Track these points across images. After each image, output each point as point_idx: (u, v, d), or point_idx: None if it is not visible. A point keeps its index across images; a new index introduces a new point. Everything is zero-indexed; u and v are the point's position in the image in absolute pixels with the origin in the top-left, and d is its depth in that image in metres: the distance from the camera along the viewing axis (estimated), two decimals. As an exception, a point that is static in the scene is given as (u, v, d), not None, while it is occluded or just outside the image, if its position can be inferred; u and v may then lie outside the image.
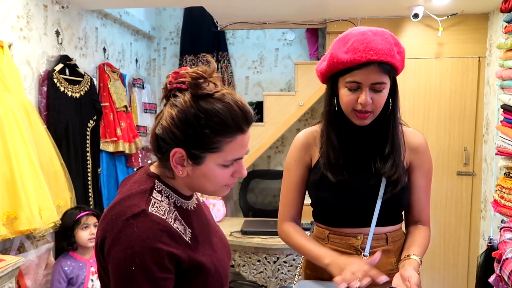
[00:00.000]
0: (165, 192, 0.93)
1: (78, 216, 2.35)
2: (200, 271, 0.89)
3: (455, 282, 3.23)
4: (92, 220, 2.40)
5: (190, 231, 0.92)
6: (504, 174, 2.42)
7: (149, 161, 1.00)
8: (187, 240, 0.89)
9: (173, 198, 0.93)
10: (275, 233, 2.71)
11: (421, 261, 1.20)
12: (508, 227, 1.32)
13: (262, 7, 3.06)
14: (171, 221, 0.88)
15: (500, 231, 1.35)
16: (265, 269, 2.66)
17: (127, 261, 0.82)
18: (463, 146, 3.20)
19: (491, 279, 1.84)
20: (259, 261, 2.66)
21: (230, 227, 2.88)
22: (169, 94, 0.90)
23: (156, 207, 0.88)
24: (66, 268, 2.32)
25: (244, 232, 2.75)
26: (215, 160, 0.88)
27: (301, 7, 3.03)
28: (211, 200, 3.12)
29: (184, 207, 0.95)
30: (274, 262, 2.64)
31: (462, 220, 3.23)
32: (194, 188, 0.96)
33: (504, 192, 2.35)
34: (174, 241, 0.86)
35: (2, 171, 1.93)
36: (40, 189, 2.08)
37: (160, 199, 0.90)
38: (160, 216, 0.86)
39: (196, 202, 1.01)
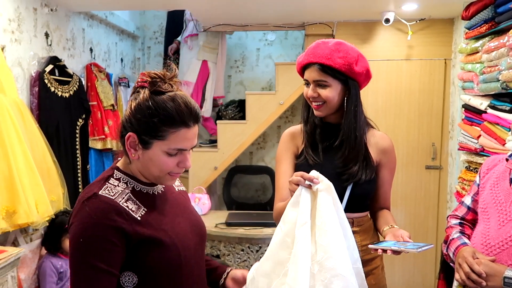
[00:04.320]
0: (124, 179, 1.09)
1: (66, 226, 2.43)
2: (154, 243, 1.04)
3: (424, 267, 3.49)
4: None
5: (145, 210, 1.07)
6: (466, 167, 2.66)
7: (119, 158, 1.17)
8: (136, 217, 1.04)
9: (132, 184, 1.09)
10: (257, 224, 2.92)
11: None
12: (453, 215, 1.53)
13: (244, 10, 3.21)
14: (120, 201, 1.03)
15: (447, 219, 1.57)
16: (248, 257, 2.84)
17: (78, 234, 0.99)
18: (431, 142, 3.44)
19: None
20: (242, 250, 2.84)
21: (215, 219, 3.04)
22: (135, 90, 1.09)
23: (108, 190, 1.04)
24: (55, 264, 2.44)
25: (228, 224, 2.92)
26: (160, 147, 1.04)
27: (281, 11, 3.20)
28: (196, 195, 3.28)
29: (145, 191, 1.11)
30: (257, 251, 2.83)
31: (430, 211, 3.49)
32: (143, 173, 1.10)
33: (465, 184, 2.59)
34: (121, 217, 1.01)
35: (0, 168, 2.04)
36: (36, 184, 2.20)
37: (116, 184, 1.07)
38: (109, 197, 1.03)
39: (162, 190, 1.17)
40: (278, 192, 1.52)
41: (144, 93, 1.05)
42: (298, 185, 1.22)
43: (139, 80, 1.08)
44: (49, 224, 2.41)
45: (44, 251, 2.57)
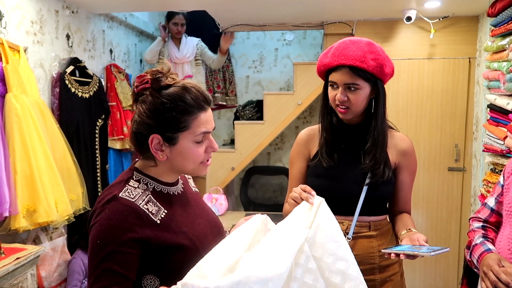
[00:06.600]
0: (144, 180, 1.07)
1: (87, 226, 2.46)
2: (174, 247, 1.03)
3: (446, 272, 3.39)
4: None
5: (166, 211, 1.06)
6: (491, 169, 2.57)
7: (137, 159, 1.15)
8: (156, 220, 1.03)
9: (152, 185, 1.08)
10: (274, 226, 2.88)
11: None
12: (476, 217, 1.46)
13: (262, 10, 3.19)
14: (141, 203, 1.02)
15: (469, 221, 1.51)
16: (265, 259, 2.81)
17: (96, 236, 0.99)
18: (454, 143, 3.34)
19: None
20: (259, 252, 2.82)
21: (232, 220, 3.03)
22: (137, 96, 1.06)
23: (128, 192, 1.02)
24: (85, 262, 2.47)
25: (245, 225, 2.90)
26: (187, 138, 1.03)
27: (299, 10, 3.16)
28: (213, 195, 3.28)
29: (165, 192, 1.10)
30: (274, 253, 2.80)
31: (453, 214, 3.38)
32: (176, 170, 1.09)
33: (490, 187, 2.50)
34: (141, 220, 1.00)
35: (21, 167, 2.08)
36: (56, 184, 2.23)
37: (136, 186, 1.05)
38: (130, 199, 1.01)
39: (182, 190, 1.16)
40: (288, 193, 1.52)
41: (151, 93, 1.03)
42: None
43: (137, 84, 1.06)
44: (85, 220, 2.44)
45: (66, 250, 2.61)
